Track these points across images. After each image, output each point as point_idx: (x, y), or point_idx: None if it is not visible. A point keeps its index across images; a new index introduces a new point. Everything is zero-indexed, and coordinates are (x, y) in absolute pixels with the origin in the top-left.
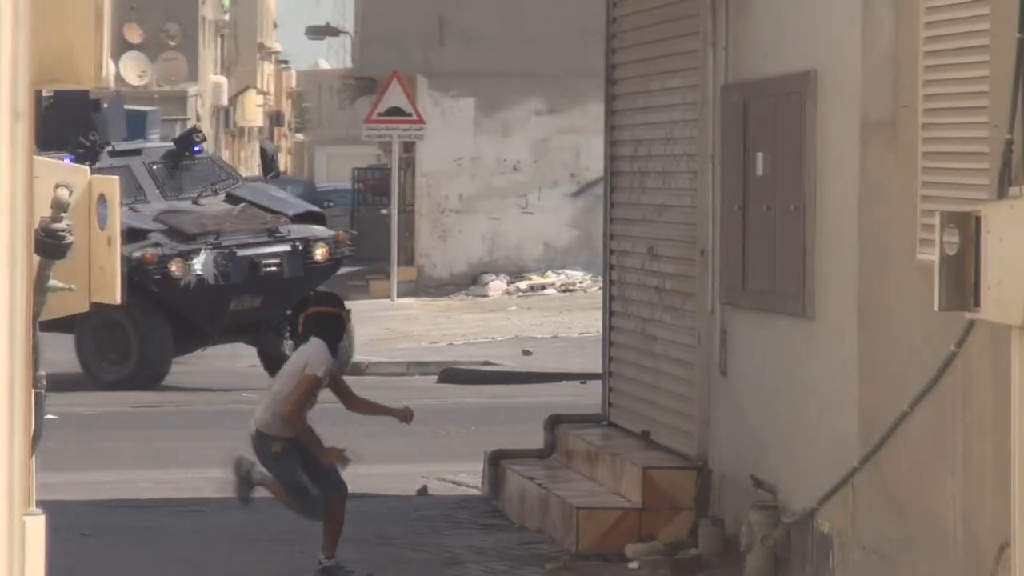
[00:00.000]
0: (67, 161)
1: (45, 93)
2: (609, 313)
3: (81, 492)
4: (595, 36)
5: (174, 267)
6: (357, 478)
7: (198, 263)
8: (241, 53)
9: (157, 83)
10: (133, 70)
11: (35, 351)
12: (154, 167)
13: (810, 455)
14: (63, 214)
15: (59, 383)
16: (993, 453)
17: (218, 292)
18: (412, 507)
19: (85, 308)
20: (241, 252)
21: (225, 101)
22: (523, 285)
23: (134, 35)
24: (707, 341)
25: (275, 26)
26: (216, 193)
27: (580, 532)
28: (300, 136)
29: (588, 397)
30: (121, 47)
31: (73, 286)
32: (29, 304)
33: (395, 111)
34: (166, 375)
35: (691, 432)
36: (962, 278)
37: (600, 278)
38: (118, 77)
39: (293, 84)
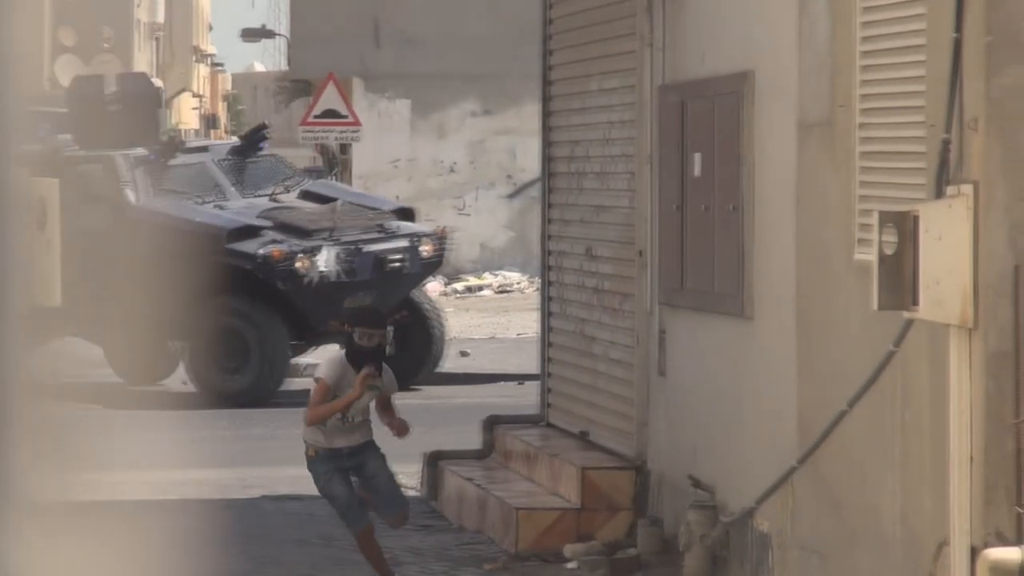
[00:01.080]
0: (152, 159)
1: (106, 90)
2: (547, 314)
3: None
4: (530, 37)
5: (299, 264)
6: (298, 479)
7: (322, 259)
8: (176, 55)
9: None
10: (67, 72)
11: None
12: (224, 164)
13: (749, 454)
14: None
15: None
16: (931, 452)
17: (338, 289)
18: None
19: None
20: (367, 248)
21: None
22: (459, 286)
23: (68, 38)
24: (645, 342)
25: (210, 28)
26: (288, 190)
27: (518, 532)
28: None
29: (526, 398)
30: (55, 50)
31: None
32: None
33: (331, 113)
34: (285, 379)
35: (629, 432)
36: (900, 277)
37: (536, 279)
38: (52, 79)
39: (228, 87)
